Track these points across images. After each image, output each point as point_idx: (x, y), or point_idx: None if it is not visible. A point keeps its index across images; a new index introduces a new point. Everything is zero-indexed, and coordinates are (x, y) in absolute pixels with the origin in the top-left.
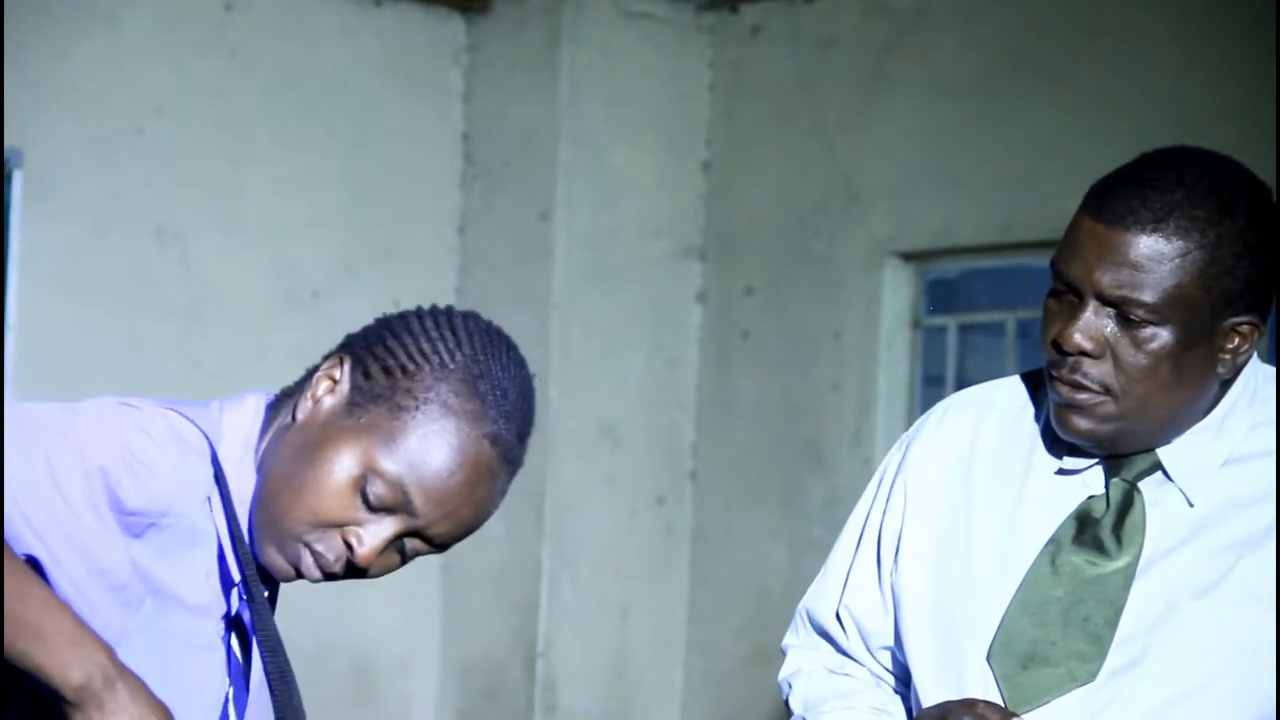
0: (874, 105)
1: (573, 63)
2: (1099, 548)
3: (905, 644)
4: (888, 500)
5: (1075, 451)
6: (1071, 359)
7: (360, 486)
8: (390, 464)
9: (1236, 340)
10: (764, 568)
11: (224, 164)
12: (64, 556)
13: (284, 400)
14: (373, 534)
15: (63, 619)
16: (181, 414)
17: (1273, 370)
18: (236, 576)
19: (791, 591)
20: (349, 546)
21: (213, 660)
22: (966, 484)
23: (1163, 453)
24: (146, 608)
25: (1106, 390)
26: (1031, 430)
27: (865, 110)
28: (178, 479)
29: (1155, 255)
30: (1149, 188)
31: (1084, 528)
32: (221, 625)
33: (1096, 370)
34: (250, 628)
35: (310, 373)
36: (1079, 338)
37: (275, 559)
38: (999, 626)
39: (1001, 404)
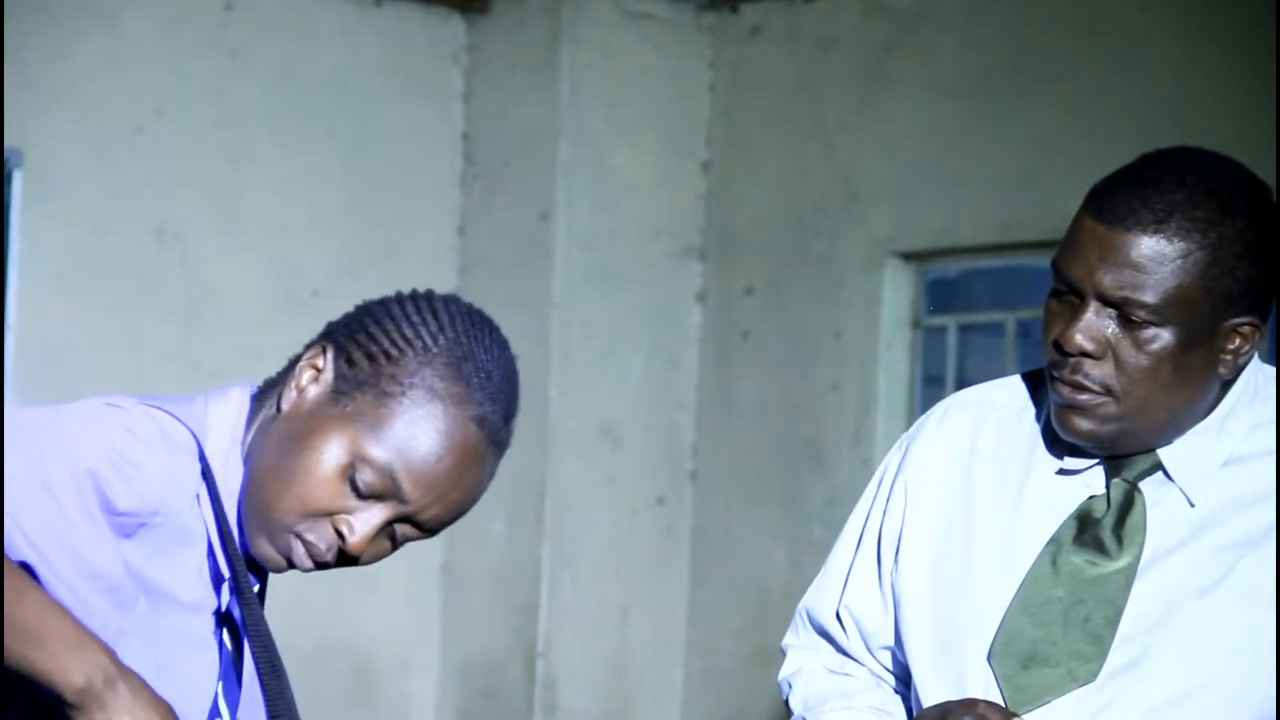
0: (874, 105)
1: (573, 63)
2: (1100, 548)
3: (905, 644)
4: (888, 500)
5: (1076, 451)
6: (1073, 360)
7: (349, 474)
8: (378, 451)
9: (1237, 341)
10: (764, 568)
11: (224, 164)
12: (57, 561)
13: (268, 392)
14: (363, 521)
15: (61, 622)
16: (167, 411)
17: (1273, 370)
18: (226, 573)
19: (791, 591)
20: (340, 535)
21: (206, 656)
22: (967, 484)
23: (1163, 453)
24: (140, 608)
25: (1108, 391)
26: (1032, 430)
27: (865, 110)
28: (166, 478)
29: (1157, 256)
30: (1150, 188)
31: (1085, 528)
32: (213, 621)
33: (1098, 371)
34: (241, 623)
35: (293, 363)
36: (1080, 338)
37: (266, 550)
38: (999, 626)
39: (1001, 404)
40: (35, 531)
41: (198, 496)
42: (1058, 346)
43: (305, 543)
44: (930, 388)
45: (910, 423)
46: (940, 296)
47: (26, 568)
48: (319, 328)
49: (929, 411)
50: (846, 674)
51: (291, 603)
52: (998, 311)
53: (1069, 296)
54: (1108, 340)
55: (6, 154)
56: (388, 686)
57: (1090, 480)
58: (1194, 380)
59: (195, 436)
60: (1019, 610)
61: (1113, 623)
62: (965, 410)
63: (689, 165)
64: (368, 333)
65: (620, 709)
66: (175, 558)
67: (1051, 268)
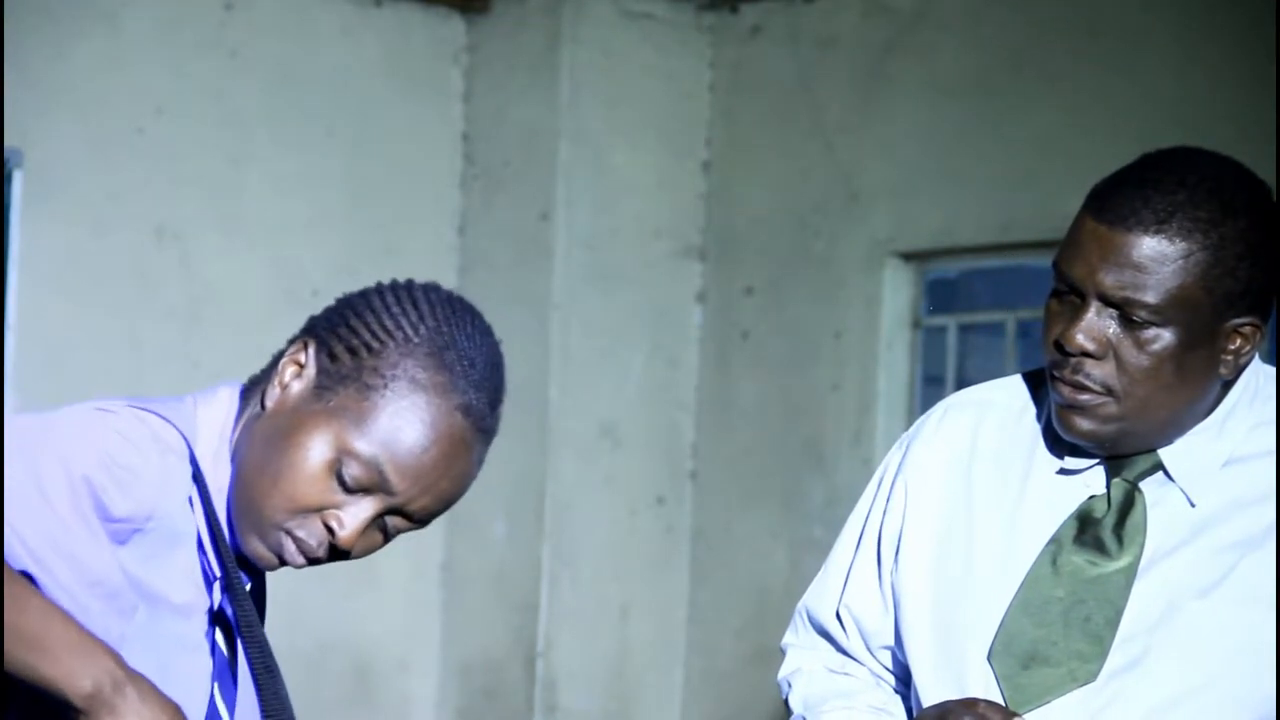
0: (874, 105)
1: (573, 63)
2: (1100, 548)
3: (906, 643)
4: (888, 500)
5: (1076, 451)
6: (1074, 360)
7: (335, 470)
8: (363, 445)
9: (1238, 341)
10: (764, 568)
11: (224, 164)
12: (57, 569)
13: (254, 389)
14: (352, 515)
15: (65, 628)
16: (158, 414)
17: (1273, 370)
18: (217, 572)
19: (791, 591)
20: (330, 530)
21: (200, 659)
22: (967, 484)
23: (1164, 453)
24: (140, 613)
25: (1109, 391)
26: (1032, 430)
27: (865, 110)
28: (159, 482)
29: (1158, 256)
30: (1151, 189)
31: (1085, 528)
32: (205, 622)
33: (1099, 371)
34: (234, 623)
35: (277, 358)
36: (1081, 338)
37: (257, 548)
38: (1000, 626)
39: (1002, 404)
40: (34, 540)
41: (190, 499)
42: (1059, 346)
43: (296, 539)
44: (930, 388)
45: (910, 423)
46: (940, 296)
47: (27, 576)
48: None
49: (929, 411)
50: (846, 674)
51: (291, 602)
52: (998, 311)
53: (1070, 296)
54: (1109, 340)
55: (6, 154)
56: (388, 686)
57: (1091, 480)
58: (1195, 380)
59: (186, 439)
60: (1019, 610)
61: (1113, 623)
62: (965, 410)
63: (689, 165)
64: (348, 325)
65: (620, 709)
66: (167, 561)
67: (1052, 268)
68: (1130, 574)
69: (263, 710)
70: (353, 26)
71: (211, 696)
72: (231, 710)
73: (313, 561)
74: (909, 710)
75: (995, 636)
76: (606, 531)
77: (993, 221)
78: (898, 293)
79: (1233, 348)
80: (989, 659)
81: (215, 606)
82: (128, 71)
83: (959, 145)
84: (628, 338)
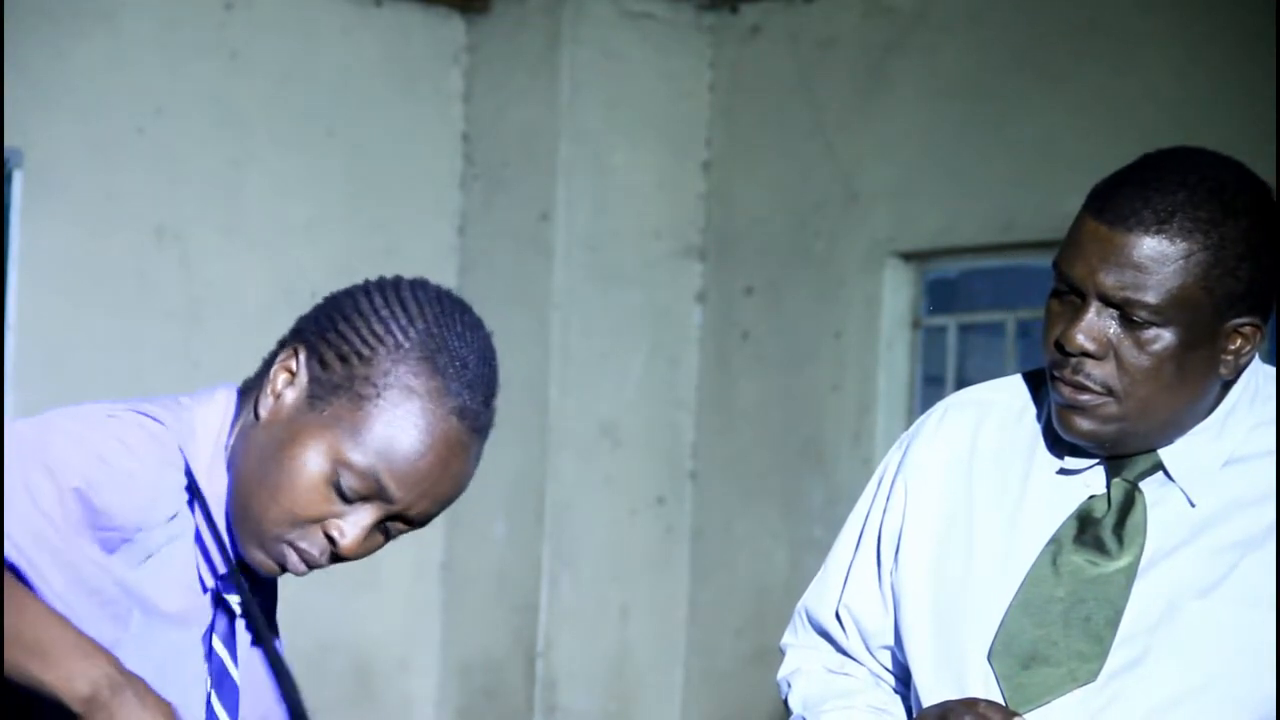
0: (874, 105)
1: (573, 63)
2: (1100, 548)
3: (905, 643)
4: (888, 499)
5: (1076, 451)
6: (1074, 360)
7: (333, 481)
8: (359, 456)
9: (1239, 341)
10: (764, 568)
11: (224, 164)
12: (51, 576)
13: (250, 392)
14: (353, 524)
15: (63, 631)
16: (155, 419)
17: (1273, 370)
18: (221, 569)
19: (791, 591)
20: (331, 540)
21: (194, 667)
22: (967, 483)
23: (1164, 453)
24: (136, 620)
25: (1109, 391)
26: (1032, 430)
27: (865, 110)
28: (153, 490)
29: (1158, 256)
30: (1152, 189)
31: (1085, 527)
32: (202, 630)
33: (1099, 371)
34: (226, 634)
35: (269, 361)
36: (1082, 338)
37: (259, 557)
38: (1000, 626)
39: (1002, 404)
40: (29, 546)
41: (180, 512)
42: (1059, 346)
43: (298, 549)
44: (930, 388)
45: (910, 423)
46: (940, 296)
47: (24, 582)
48: None
49: (929, 411)
50: (845, 674)
51: (291, 603)
52: (998, 311)
53: (1070, 297)
54: (1109, 340)
55: (6, 154)
56: (388, 686)
57: (1091, 480)
58: (1195, 380)
59: (183, 451)
60: (1019, 610)
61: (1113, 623)
62: (965, 410)
63: (689, 165)
64: (338, 331)
65: (620, 709)
66: (158, 570)
67: (1053, 268)
68: (1130, 574)
69: (290, 710)
70: (353, 26)
71: (209, 704)
72: (234, 716)
73: (313, 567)
74: (909, 710)
75: (995, 636)
76: (606, 531)
77: (993, 221)
78: (898, 293)
79: (1233, 348)
80: (989, 659)
81: (212, 617)
82: (128, 71)
83: (959, 145)
84: (628, 338)
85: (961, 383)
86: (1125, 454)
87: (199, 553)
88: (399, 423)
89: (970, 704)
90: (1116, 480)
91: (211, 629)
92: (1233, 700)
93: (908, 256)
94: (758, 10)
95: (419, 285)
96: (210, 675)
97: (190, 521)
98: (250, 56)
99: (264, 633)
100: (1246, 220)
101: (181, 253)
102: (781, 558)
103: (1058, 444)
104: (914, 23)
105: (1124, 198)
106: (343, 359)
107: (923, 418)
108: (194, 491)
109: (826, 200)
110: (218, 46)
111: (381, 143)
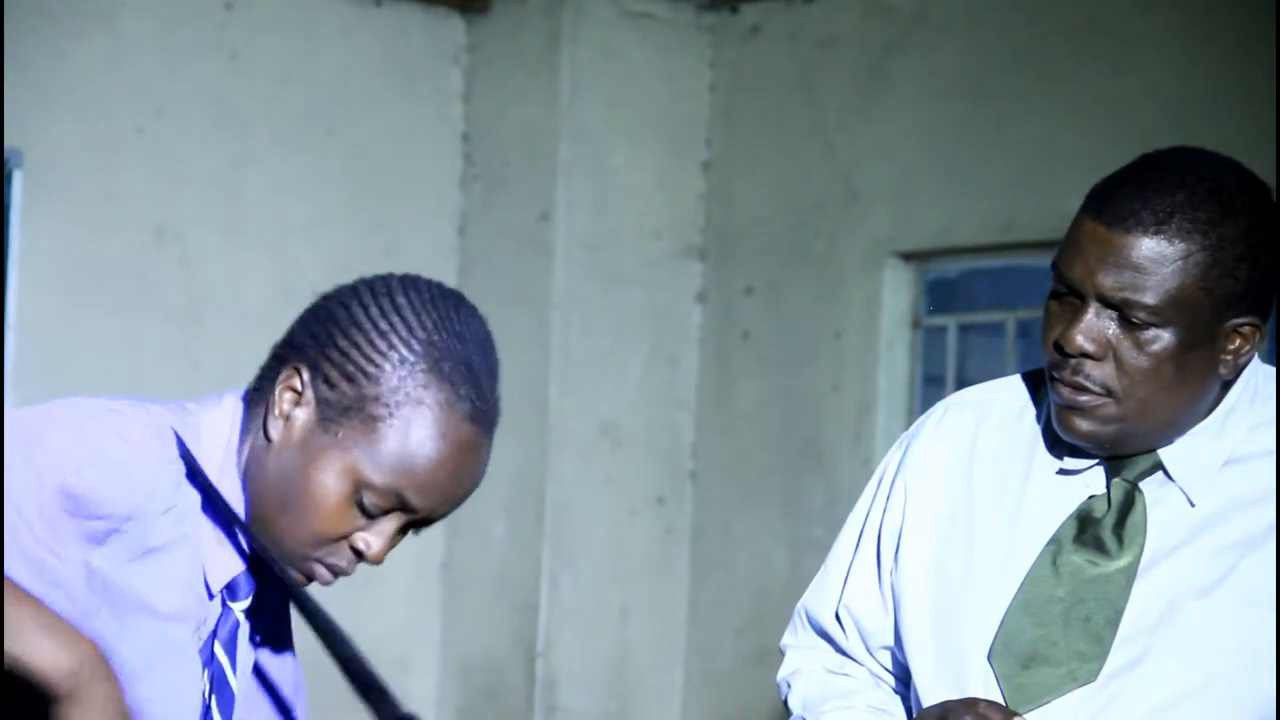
0: (874, 105)
1: (573, 63)
2: (1100, 548)
3: (905, 643)
4: (887, 499)
5: (1076, 451)
6: (1073, 361)
7: (355, 500)
8: (378, 476)
9: (1238, 341)
10: (764, 568)
11: (224, 164)
12: (14, 568)
13: (255, 404)
14: (378, 535)
15: (43, 611)
16: (157, 417)
17: (1273, 370)
18: (238, 566)
19: (791, 591)
20: (358, 552)
21: (187, 665)
22: (967, 483)
23: (1164, 453)
24: (102, 619)
25: (1108, 392)
26: (1032, 430)
27: (865, 110)
28: (148, 482)
29: (1157, 257)
30: (1150, 189)
31: (1085, 527)
32: (202, 631)
33: (1098, 372)
34: (232, 636)
35: (269, 368)
36: (1081, 339)
37: (287, 574)
38: (1000, 626)
39: (1002, 404)
40: None
41: (182, 505)
42: (1058, 347)
43: (326, 565)
44: (930, 388)
45: (910, 423)
46: (940, 296)
47: None
48: None
49: (929, 411)
50: (845, 674)
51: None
52: (998, 311)
53: (1069, 298)
54: (1108, 341)
55: (6, 154)
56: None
57: (1091, 480)
58: (1195, 381)
59: (182, 442)
60: (1019, 610)
61: (1113, 623)
62: (965, 410)
63: (689, 165)
64: (338, 348)
65: (620, 709)
66: (157, 567)
67: (1051, 269)
68: (1130, 574)
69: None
70: (353, 26)
71: (207, 708)
72: (228, 716)
73: (340, 576)
74: (909, 710)
75: (995, 636)
76: (606, 531)
77: (993, 221)
78: (898, 293)
79: (1232, 348)
80: (989, 659)
81: (217, 622)
82: (128, 71)
83: (959, 145)
84: (628, 338)
85: (961, 383)
86: (1125, 454)
87: (210, 552)
88: (414, 439)
89: (970, 704)
90: (1116, 480)
91: (215, 634)
92: (1233, 700)
93: (908, 256)
94: (758, 10)
95: (411, 286)
96: (210, 680)
97: (197, 521)
98: (250, 56)
99: (310, 604)
100: (1245, 220)
101: (181, 253)
102: (781, 558)
103: (1058, 444)
104: (914, 23)
105: (1122, 199)
106: (349, 378)
107: (923, 418)
108: (205, 491)
109: (826, 200)
110: (218, 46)
111: (381, 143)
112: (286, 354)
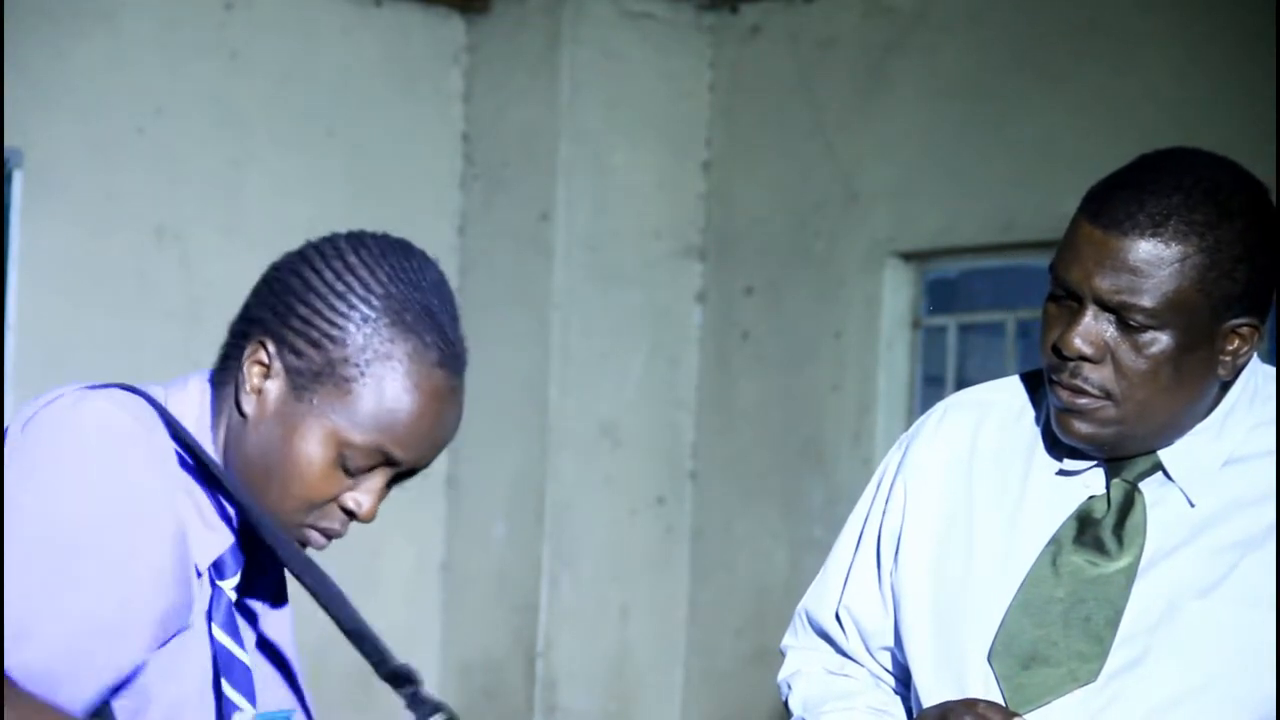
0: (874, 105)
1: (573, 63)
2: (1100, 548)
3: (905, 644)
4: (887, 500)
5: (1076, 452)
6: (1072, 363)
7: (339, 463)
8: (360, 435)
9: (1236, 342)
10: (764, 568)
11: (224, 164)
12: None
13: (222, 384)
14: (367, 492)
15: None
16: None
17: (1273, 370)
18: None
19: (791, 591)
20: (349, 512)
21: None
22: (967, 484)
23: (1164, 453)
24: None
25: (1107, 394)
26: (1032, 431)
27: (865, 110)
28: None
29: (1154, 260)
30: (1147, 192)
31: (1085, 528)
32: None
33: (1097, 375)
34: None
35: (232, 350)
36: (1079, 342)
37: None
38: (1000, 626)
39: (1001, 404)
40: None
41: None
42: (1056, 350)
43: (319, 529)
44: (930, 388)
45: (910, 423)
46: (940, 296)
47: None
48: None
49: (929, 411)
50: (845, 675)
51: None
52: (998, 311)
53: (1067, 300)
54: (1106, 344)
55: (6, 154)
56: (388, 686)
57: (1090, 480)
58: (1193, 382)
59: (180, 425)
60: (1019, 610)
61: (1113, 623)
62: (965, 410)
63: (689, 165)
64: (299, 317)
65: (620, 709)
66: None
67: (1049, 271)
68: (1130, 574)
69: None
70: (353, 26)
71: (219, 689)
72: (251, 697)
73: (334, 538)
74: (909, 710)
75: (995, 636)
76: (606, 531)
77: (993, 221)
78: (898, 293)
79: (1231, 349)
80: (989, 659)
81: (209, 604)
82: (128, 71)
83: (959, 145)
84: (628, 338)
85: (961, 383)
86: (1124, 455)
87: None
88: (389, 394)
89: (970, 704)
90: (1116, 481)
91: (210, 617)
92: (1233, 700)
93: (908, 256)
94: (758, 10)
95: (359, 243)
96: (216, 663)
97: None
98: (250, 56)
99: (300, 560)
100: (1242, 221)
101: (181, 253)
102: (781, 558)
103: (1057, 445)
104: (914, 23)
105: (1119, 201)
106: (314, 345)
107: (922, 418)
108: (197, 468)
109: (826, 200)
110: (218, 46)
111: (381, 143)
112: (247, 329)
